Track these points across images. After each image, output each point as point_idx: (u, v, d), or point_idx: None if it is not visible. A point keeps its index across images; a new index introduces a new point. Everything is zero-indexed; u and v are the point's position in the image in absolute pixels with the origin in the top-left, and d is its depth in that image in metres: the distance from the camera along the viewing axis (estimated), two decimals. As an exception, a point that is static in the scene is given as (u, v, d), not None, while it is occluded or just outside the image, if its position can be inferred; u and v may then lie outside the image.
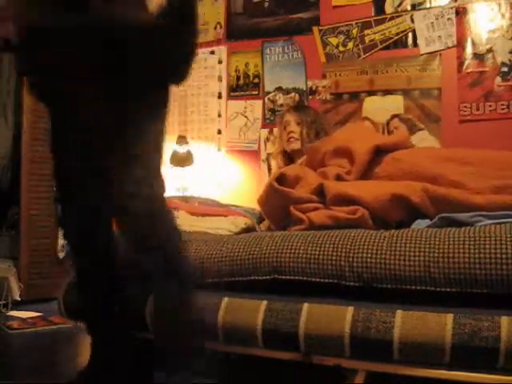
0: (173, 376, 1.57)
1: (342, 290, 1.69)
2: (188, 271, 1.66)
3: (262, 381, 1.95)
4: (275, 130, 2.92)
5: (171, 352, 1.61)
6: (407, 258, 1.59)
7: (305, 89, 3.46)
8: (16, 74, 3.53)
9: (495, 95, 2.96)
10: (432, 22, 3.12)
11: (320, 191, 2.05)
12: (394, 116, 3.19)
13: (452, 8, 3.08)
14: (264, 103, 3.59)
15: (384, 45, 3.25)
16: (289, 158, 2.79)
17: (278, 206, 2.11)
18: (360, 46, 3.31)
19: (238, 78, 3.68)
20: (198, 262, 1.91)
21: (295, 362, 1.75)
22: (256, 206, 2.95)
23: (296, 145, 2.70)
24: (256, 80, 3.63)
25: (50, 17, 1.44)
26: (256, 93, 3.63)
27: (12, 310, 3.02)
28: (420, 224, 1.85)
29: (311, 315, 1.68)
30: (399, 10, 3.22)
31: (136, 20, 1.48)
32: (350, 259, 1.67)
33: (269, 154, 3.44)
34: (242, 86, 3.67)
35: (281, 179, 2.15)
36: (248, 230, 2.22)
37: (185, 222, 2.29)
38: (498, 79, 2.96)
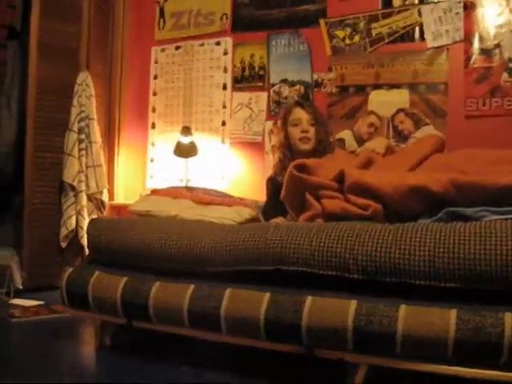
0: None
1: (346, 282, 1.69)
2: None
3: (265, 373, 1.95)
4: (279, 122, 2.87)
5: None
6: (412, 252, 1.59)
7: (310, 81, 3.45)
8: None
9: (502, 91, 2.95)
10: (440, 16, 3.10)
11: (341, 178, 2.01)
12: (400, 110, 3.18)
13: (460, 2, 3.05)
14: (269, 95, 3.58)
15: (391, 38, 3.23)
16: (291, 151, 2.73)
17: (296, 193, 2.10)
18: (367, 40, 3.29)
19: (244, 70, 3.66)
20: (202, 251, 1.92)
21: (298, 354, 1.75)
22: (259, 199, 2.95)
23: (308, 146, 2.66)
24: (261, 72, 3.61)
25: None
26: (261, 85, 3.61)
27: (14, 298, 3.02)
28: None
29: (314, 308, 1.67)
30: (407, 3, 3.19)
31: None
32: (355, 252, 1.66)
33: (273, 146, 3.41)
34: (247, 78, 3.65)
35: (301, 167, 2.13)
36: (252, 220, 2.22)
37: (190, 210, 2.29)
38: (505, 75, 2.94)
